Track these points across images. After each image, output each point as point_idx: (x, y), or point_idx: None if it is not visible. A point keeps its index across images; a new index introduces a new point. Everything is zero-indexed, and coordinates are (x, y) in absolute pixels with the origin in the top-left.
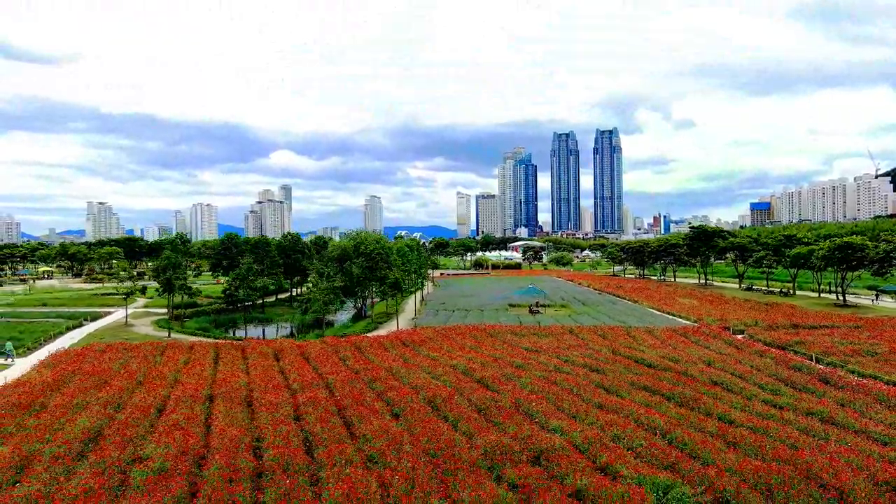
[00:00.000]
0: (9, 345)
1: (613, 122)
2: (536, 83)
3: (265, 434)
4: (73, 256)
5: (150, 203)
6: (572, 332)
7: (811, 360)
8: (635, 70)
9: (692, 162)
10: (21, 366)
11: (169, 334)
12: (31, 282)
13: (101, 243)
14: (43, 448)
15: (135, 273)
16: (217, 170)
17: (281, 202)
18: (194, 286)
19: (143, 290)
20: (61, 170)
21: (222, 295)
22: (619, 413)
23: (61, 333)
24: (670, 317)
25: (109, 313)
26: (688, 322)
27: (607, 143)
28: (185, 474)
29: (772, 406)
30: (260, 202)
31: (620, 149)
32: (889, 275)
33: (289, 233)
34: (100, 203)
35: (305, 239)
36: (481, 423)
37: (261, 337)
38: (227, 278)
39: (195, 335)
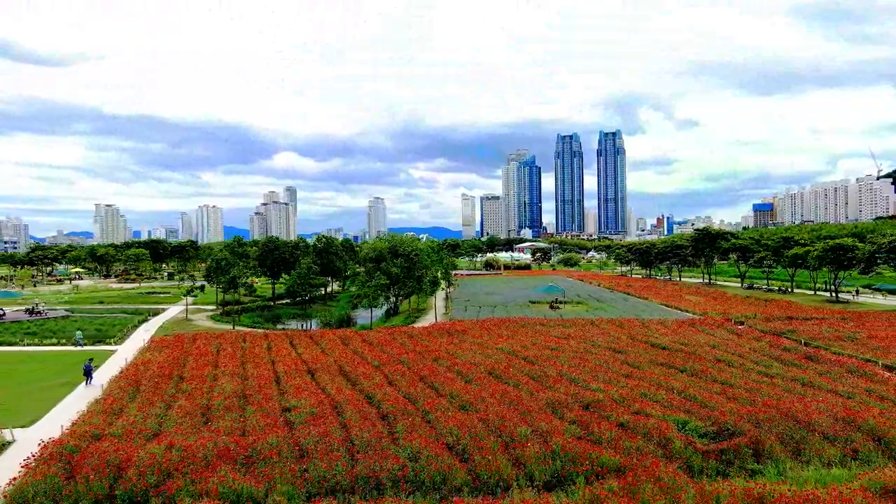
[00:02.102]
0: (79, 333)
1: (615, 122)
2: (537, 83)
3: (373, 393)
4: (102, 258)
5: (153, 204)
6: (593, 323)
7: (800, 343)
8: (636, 70)
9: (695, 162)
10: (123, 351)
11: (233, 326)
12: (71, 282)
13: (127, 245)
14: (211, 402)
15: (165, 274)
16: (219, 171)
17: (286, 204)
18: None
19: (202, 289)
20: (64, 171)
21: (285, 291)
22: (643, 380)
23: (136, 326)
24: (678, 311)
25: (164, 310)
26: (694, 315)
27: (611, 145)
28: (330, 416)
29: (764, 375)
30: (265, 204)
31: (624, 150)
32: (874, 273)
33: (323, 236)
34: (107, 205)
35: (310, 240)
36: (537, 386)
37: (299, 329)
38: (262, 279)
39: (254, 328)
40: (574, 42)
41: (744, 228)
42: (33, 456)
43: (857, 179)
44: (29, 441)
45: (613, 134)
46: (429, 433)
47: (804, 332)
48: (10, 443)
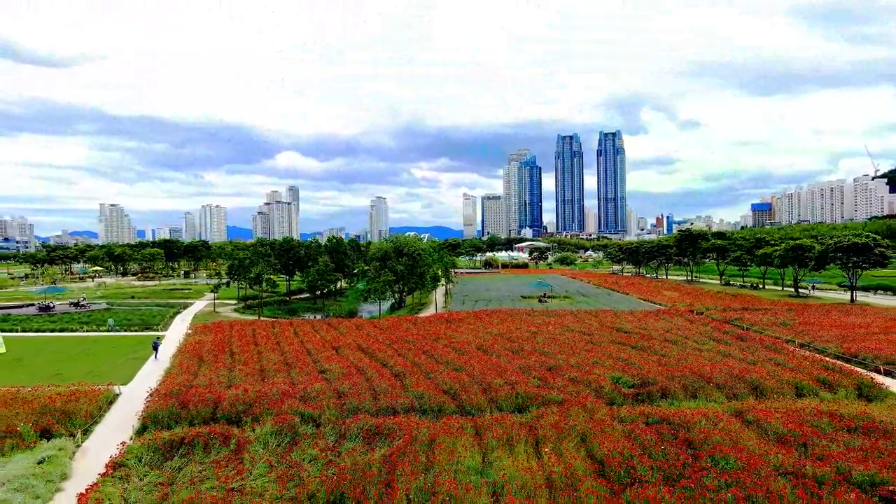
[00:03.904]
0: (111, 320)
1: (617, 123)
2: (537, 83)
3: (386, 361)
4: (119, 257)
5: (156, 204)
6: (573, 313)
7: (742, 328)
8: (636, 70)
9: (696, 162)
10: (170, 335)
11: (259, 317)
12: (93, 280)
13: (142, 245)
14: (263, 367)
15: (182, 273)
16: (222, 171)
17: (289, 203)
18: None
19: (228, 285)
20: (67, 171)
21: (306, 286)
22: (599, 353)
23: (172, 317)
24: (652, 304)
25: (191, 304)
26: (662, 307)
27: (610, 145)
28: (356, 375)
29: (696, 350)
30: (268, 203)
31: (624, 150)
32: (825, 269)
33: (333, 236)
34: (111, 205)
35: (312, 239)
36: (515, 357)
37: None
38: (275, 276)
39: (276, 318)
40: (574, 42)
41: (742, 228)
42: (151, 395)
43: (854, 179)
44: (131, 393)
45: (613, 134)
46: (430, 384)
47: (749, 319)
48: (118, 394)
